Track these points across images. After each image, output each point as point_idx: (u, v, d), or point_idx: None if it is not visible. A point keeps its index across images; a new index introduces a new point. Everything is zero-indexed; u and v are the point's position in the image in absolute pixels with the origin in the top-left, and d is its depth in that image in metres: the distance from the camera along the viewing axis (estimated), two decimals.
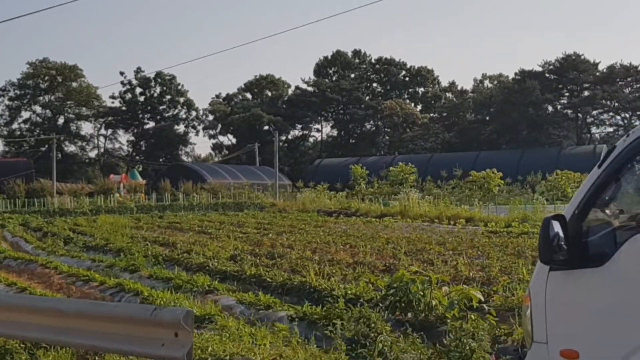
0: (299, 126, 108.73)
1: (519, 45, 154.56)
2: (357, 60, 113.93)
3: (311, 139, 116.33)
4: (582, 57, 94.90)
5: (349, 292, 11.44)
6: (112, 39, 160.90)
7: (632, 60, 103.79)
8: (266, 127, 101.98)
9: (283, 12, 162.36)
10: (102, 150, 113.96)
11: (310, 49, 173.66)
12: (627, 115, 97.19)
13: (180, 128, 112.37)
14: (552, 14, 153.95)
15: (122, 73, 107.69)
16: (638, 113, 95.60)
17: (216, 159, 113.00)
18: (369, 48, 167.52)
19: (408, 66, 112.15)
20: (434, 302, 10.04)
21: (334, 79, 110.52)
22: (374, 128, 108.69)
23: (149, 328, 7.17)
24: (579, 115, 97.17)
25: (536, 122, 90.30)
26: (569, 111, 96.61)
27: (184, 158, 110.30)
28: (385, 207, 37.78)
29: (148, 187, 66.97)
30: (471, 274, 13.39)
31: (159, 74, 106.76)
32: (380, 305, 10.61)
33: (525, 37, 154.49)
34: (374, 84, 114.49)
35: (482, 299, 9.73)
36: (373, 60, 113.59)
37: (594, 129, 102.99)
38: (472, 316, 9.15)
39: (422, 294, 10.18)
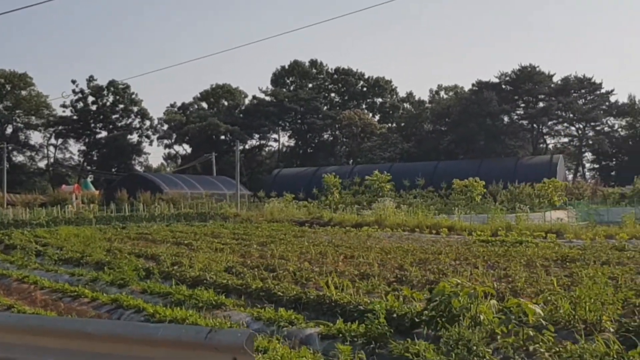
0: (257, 136, 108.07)
1: (475, 57, 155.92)
2: (314, 70, 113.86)
3: (267, 149, 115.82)
4: (538, 68, 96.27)
5: (376, 307, 10.49)
6: (63, 47, 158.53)
7: (586, 72, 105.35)
8: (223, 137, 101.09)
9: (239, 21, 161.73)
10: (51, 160, 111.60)
11: (267, 59, 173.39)
12: (581, 126, 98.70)
13: (134, 137, 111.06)
14: (508, 27, 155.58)
15: (73, 81, 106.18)
16: (592, 124, 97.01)
17: (168, 169, 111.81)
18: (326, 58, 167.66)
19: (366, 76, 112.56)
20: (481, 317, 9.16)
21: (291, 88, 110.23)
22: (332, 138, 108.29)
23: (201, 353, 6.15)
24: (535, 125, 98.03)
25: (493, 133, 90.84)
26: (525, 122, 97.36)
27: (138, 168, 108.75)
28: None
29: (103, 198, 65.26)
30: (494, 285, 12.54)
31: (111, 83, 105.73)
32: (417, 320, 9.74)
33: (481, 49, 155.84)
34: (332, 94, 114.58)
35: (541, 314, 8.85)
36: (331, 70, 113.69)
37: (549, 139, 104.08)
38: (530, 332, 8.33)
39: (467, 307, 9.33)
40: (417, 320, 9.76)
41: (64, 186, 73.65)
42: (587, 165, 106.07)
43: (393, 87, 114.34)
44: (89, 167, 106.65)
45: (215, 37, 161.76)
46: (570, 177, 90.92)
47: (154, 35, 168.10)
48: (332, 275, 14.22)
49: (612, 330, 8.78)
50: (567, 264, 15.55)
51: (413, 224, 30.80)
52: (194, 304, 12.09)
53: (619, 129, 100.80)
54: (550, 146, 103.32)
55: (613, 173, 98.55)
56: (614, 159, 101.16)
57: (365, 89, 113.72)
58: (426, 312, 9.76)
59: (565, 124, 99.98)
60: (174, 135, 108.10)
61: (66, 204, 55.25)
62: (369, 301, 11.00)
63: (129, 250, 21.97)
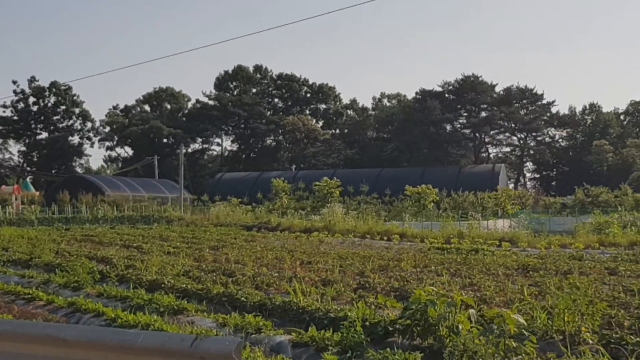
0: (200, 140, 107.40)
1: (418, 65, 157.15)
2: (258, 75, 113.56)
3: (210, 153, 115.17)
4: (480, 78, 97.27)
5: (348, 314, 10.20)
6: (4, 47, 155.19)
7: (528, 83, 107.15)
8: (165, 140, 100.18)
9: (184, 24, 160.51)
10: None
11: (211, 63, 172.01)
12: (523, 136, 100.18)
13: (75, 139, 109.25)
14: (451, 36, 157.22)
15: (14, 82, 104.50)
16: (533, 134, 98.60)
17: (108, 171, 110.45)
18: (270, 63, 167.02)
19: (310, 82, 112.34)
20: (460, 327, 8.92)
21: (235, 93, 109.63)
22: (275, 143, 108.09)
23: None
24: (477, 134, 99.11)
25: (436, 141, 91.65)
26: (468, 131, 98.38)
27: (78, 170, 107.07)
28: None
29: (43, 199, 64.07)
30: (463, 293, 12.35)
31: (53, 84, 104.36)
32: (390, 328, 9.48)
33: (424, 58, 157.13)
34: (276, 100, 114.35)
35: (524, 324, 8.65)
36: (274, 76, 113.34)
37: (491, 149, 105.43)
38: (513, 343, 8.12)
39: (444, 317, 9.09)
40: (390, 329, 9.50)
41: (3, 187, 71.92)
42: (528, 174, 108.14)
43: (337, 93, 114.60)
44: (28, 168, 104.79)
45: (159, 40, 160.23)
46: (511, 186, 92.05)
47: (99, 37, 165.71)
48: (293, 281, 13.92)
49: (591, 342, 8.62)
50: (530, 273, 15.46)
51: (363, 230, 30.61)
52: (155, 308, 11.67)
53: (560, 140, 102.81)
54: (492, 155, 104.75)
55: (553, 183, 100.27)
56: (555, 169, 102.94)
57: (309, 95, 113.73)
58: (401, 320, 9.50)
59: (507, 134, 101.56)
60: (116, 138, 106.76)
61: (7, 205, 54.10)
62: (338, 308, 10.72)
63: (78, 253, 21.33)
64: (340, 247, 23.55)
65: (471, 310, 9.32)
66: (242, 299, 12.11)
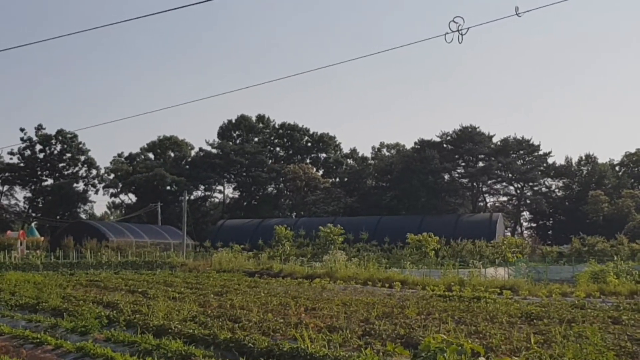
0: (202, 187, 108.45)
1: (417, 116, 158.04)
2: (261, 125, 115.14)
3: (212, 200, 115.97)
4: (478, 129, 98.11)
5: None
6: (12, 95, 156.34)
7: (524, 134, 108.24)
8: (168, 187, 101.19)
9: (188, 74, 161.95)
10: None
11: (213, 112, 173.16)
12: (519, 186, 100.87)
13: (80, 186, 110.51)
14: (449, 88, 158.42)
15: (22, 129, 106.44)
16: (530, 184, 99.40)
17: (112, 217, 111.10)
18: (272, 113, 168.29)
19: (311, 132, 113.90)
20: None
21: (237, 142, 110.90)
22: (276, 191, 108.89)
23: None
24: (475, 184, 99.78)
25: (434, 190, 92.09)
26: (465, 180, 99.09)
27: (82, 216, 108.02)
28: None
29: (48, 245, 64.44)
30: (469, 341, 12.51)
31: (59, 132, 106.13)
32: None
33: (423, 108, 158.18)
34: (277, 148, 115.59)
35: None
36: (277, 125, 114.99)
37: (488, 198, 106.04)
38: None
39: None
40: None
41: (9, 232, 72.22)
42: (525, 223, 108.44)
43: (337, 143, 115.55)
44: (33, 214, 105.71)
45: (164, 90, 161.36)
46: (508, 234, 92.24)
47: (105, 88, 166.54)
48: (299, 327, 14.09)
49: None
50: (534, 321, 15.58)
51: (365, 277, 30.79)
52: (163, 353, 11.75)
53: (556, 190, 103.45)
54: (489, 204, 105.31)
55: (550, 232, 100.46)
56: (551, 219, 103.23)
57: (309, 144, 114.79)
58: None
59: (504, 184, 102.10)
60: (120, 185, 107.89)
61: (12, 250, 54.40)
62: (346, 355, 10.84)
63: (84, 297, 21.48)
64: (343, 294, 23.68)
65: (481, 359, 9.49)
66: (250, 344, 12.16)
